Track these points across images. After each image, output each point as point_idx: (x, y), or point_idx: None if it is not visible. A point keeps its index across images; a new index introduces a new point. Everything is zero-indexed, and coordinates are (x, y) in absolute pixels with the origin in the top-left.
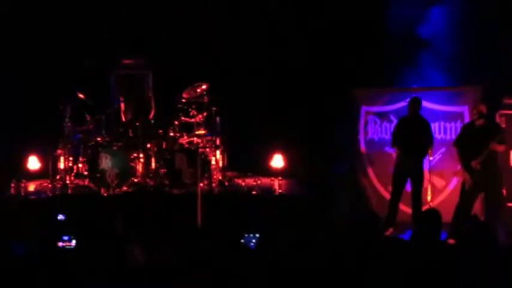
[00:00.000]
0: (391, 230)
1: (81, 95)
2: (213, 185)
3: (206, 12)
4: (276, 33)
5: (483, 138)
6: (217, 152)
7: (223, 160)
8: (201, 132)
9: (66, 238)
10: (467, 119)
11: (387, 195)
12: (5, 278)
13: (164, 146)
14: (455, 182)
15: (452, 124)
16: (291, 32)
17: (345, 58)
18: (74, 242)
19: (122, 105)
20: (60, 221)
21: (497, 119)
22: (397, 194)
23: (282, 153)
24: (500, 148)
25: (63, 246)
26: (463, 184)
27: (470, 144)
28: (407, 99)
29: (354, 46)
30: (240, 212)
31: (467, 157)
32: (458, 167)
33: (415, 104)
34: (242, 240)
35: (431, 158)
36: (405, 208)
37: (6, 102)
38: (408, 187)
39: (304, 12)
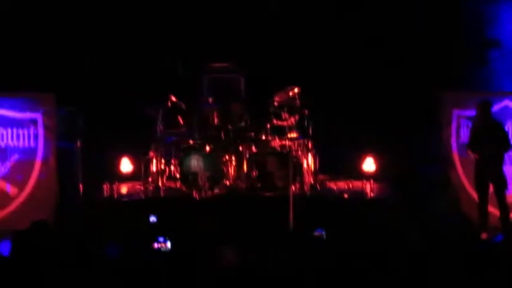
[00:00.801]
0: (485, 234)
1: (173, 98)
2: (305, 188)
3: (297, 14)
4: (365, 36)
5: None
6: (309, 155)
7: (315, 163)
8: (293, 135)
9: (161, 240)
10: None
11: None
12: (100, 280)
13: (256, 149)
14: None
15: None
16: (380, 34)
17: (435, 60)
18: (168, 244)
19: (215, 110)
20: (153, 222)
21: None
22: (484, 199)
23: (374, 156)
24: None
25: (158, 248)
26: None
27: None
28: (503, 103)
29: (444, 48)
30: (332, 215)
31: None
32: None
33: (487, 106)
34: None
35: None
36: (494, 210)
37: (99, 105)
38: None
39: (392, 15)
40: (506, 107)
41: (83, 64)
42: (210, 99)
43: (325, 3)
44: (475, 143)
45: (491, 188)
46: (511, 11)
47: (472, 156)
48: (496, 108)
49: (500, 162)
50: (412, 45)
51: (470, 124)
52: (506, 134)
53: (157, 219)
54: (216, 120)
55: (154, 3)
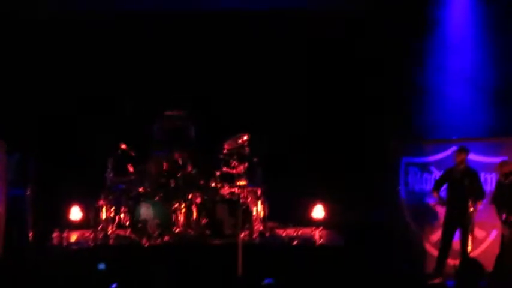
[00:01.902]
0: (440, 278)
1: (123, 146)
2: (254, 235)
3: (245, 65)
4: (313, 85)
5: None
6: (259, 203)
7: (264, 210)
8: (242, 182)
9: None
10: None
11: (428, 246)
12: None
13: (205, 196)
14: (495, 233)
15: (493, 175)
16: (328, 83)
17: (384, 110)
18: None
19: (165, 158)
20: (102, 270)
21: None
22: (448, 244)
23: (323, 204)
24: None
25: None
26: (503, 237)
27: (505, 200)
28: (450, 150)
29: (393, 97)
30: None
31: (504, 212)
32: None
33: (464, 153)
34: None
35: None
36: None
37: (49, 153)
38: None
39: (337, 67)
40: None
41: (34, 110)
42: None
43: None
44: (441, 186)
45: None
46: None
47: (437, 201)
48: (442, 155)
49: (471, 208)
50: (360, 94)
51: (434, 170)
52: (479, 180)
53: (106, 267)
54: (168, 168)
55: (107, 53)
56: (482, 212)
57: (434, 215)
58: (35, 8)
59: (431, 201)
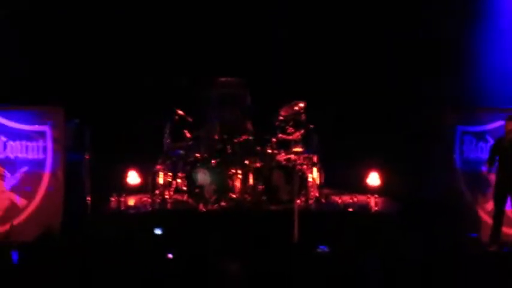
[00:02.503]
0: (495, 246)
1: (180, 112)
2: (310, 202)
3: (302, 32)
4: (369, 50)
5: None
6: (314, 170)
7: (320, 177)
8: (298, 149)
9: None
10: None
11: (483, 215)
12: None
13: (262, 162)
14: None
15: None
16: (384, 52)
17: (439, 77)
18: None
19: (220, 124)
20: (159, 234)
21: None
22: (500, 212)
23: (378, 171)
24: None
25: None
26: None
27: None
28: (503, 118)
29: (448, 65)
30: (334, 228)
31: None
32: None
33: None
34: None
35: None
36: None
37: (107, 118)
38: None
39: (395, 33)
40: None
41: (92, 78)
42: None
43: (332, 21)
44: (496, 156)
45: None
46: None
47: (489, 170)
48: (498, 124)
49: None
50: (414, 64)
51: (490, 139)
52: None
53: (162, 231)
54: (224, 134)
55: (163, 20)
56: None
57: (489, 184)
58: None
59: (485, 169)
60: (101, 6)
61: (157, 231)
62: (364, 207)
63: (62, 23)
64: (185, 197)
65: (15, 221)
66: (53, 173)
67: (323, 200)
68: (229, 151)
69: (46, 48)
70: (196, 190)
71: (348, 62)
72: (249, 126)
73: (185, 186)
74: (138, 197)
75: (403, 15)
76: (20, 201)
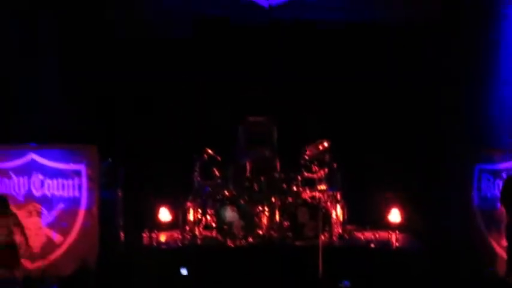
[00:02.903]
0: (511, 279)
1: (209, 151)
2: (334, 238)
3: (324, 73)
4: (392, 92)
5: None
6: (338, 206)
7: (343, 214)
8: (323, 187)
9: None
10: None
11: (500, 251)
12: None
13: (288, 200)
14: None
15: None
16: (407, 91)
17: (461, 118)
18: None
19: (249, 162)
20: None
21: None
22: None
23: (399, 208)
24: None
25: None
26: None
27: None
28: None
29: (469, 107)
30: (356, 263)
31: None
32: None
33: None
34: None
35: None
36: None
37: (139, 157)
38: None
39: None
40: None
41: (124, 118)
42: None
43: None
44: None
45: None
46: None
47: (503, 208)
48: None
49: None
50: (438, 101)
51: (505, 176)
52: None
53: (188, 271)
54: (252, 172)
55: (191, 61)
56: None
57: (502, 220)
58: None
59: (500, 207)
60: (132, 49)
61: (183, 272)
62: (386, 244)
63: (96, 67)
64: (214, 233)
65: (52, 257)
66: (88, 210)
67: (346, 236)
68: (257, 189)
69: (83, 90)
70: (225, 227)
71: (369, 102)
72: (276, 164)
73: (214, 222)
74: (169, 233)
75: (424, 57)
76: (57, 237)
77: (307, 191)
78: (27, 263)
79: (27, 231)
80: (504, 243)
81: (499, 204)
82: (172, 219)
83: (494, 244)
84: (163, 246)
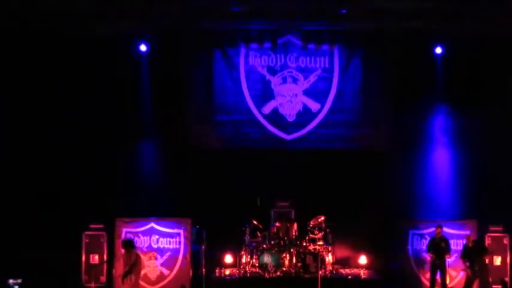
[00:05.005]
0: None
1: (255, 222)
2: (327, 273)
3: (320, 179)
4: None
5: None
6: (329, 254)
7: (333, 258)
8: (320, 243)
9: None
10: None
11: (423, 280)
12: None
13: (300, 250)
14: (462, 273)
15: (459, 241)
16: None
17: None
18: None
19: (278, 228)
20: None
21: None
22: (433, 280)
23: (366, 254)
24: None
25: None
26: (467, 276)
27: (468, 256)
28: (434, 226)
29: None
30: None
31: (467, 262)
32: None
33: (440, 228)
34: None
35: (449, 259)
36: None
37: (215, 224)
38: (438, 275)
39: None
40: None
41: (207, 199)
42: (277, 223)
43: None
44: (432, 247)
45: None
46: None
47: (429, 256)
48: (431, 229)
49: (445, 259)
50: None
51: (427, 237)
52: (449, 243)
53: None
54: (279, 234)
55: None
56: (454, 261)
57: (427, 263)
58: None
59: (426, 256)
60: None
61: None
62: (357, 276)
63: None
64: (257, 270)
65: (163, 283)
66: (184, 256)
67: (334, 272)
68: (282, 243)
69: (181, 179)
70: (264, 265)
71: (345, 195)
72: (294, 229)
73: (257, 263)
74: (231, 269)
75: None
76: (166, 272)
77: (311, 245)
78: (149, 287)
79: (147, 269)
80: (427, 276)
81: (425, 254)
82: (233, 262)
83: (421, 277)
84: (228, 278)
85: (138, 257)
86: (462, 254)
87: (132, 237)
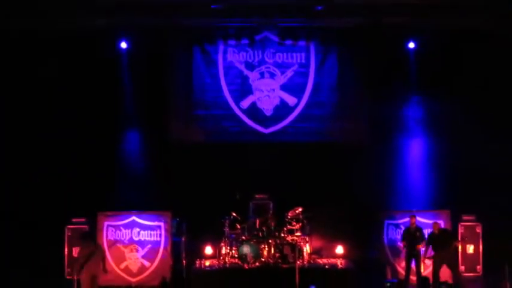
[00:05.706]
0: (407, 285)
1: (234, 214)
2: (305, 262)
3: (297, 172)
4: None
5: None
6: (307, 245)
7: (310, 249)
8: (298, 234)
9: None
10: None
11: (399, 269)
12: None
13: (279, 241)
14: (430, 262)
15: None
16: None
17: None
18: None
19: (256, 220)
20: None
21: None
22: (408, 268)
23: (342, 244)
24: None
25: None
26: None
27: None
28: (408, 216)
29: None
30: (318, 277)
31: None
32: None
33: (414, 217)
34: None
35: (422, 248)
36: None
37: (195, 216)
38: (413, 263)
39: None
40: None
41: (187, 193)
42: (255, 216)
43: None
44: (406, 237)
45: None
46: None
47: (402, 244)
48: (406, 219)
49: (419, 249)
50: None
51: (402, 227)
52: (423, 233)
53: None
54: (257, 226)
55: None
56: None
57: (402, 252)
58: None
59: (400, 245)
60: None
61: None
62: (334, 265)
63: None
64: (236, 260)
65: (144, 275)
66: (165, 248)
67: (312, 262)
68: (261, 235)
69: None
70: (243, 256)
71: (323, 186)
72: (272, 221)
73: (237, 254)
74: (211, 261)
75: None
76: (147, 264)
77: (289, 236)
78: (130, 279)
79: (129, 261)
80: (402, 265)
81: (399, 243)
82: (213, 253)
83: (397, 266)
84: (208, 269)
85: (97, 248)
86: (427, 241)
87: (89, 230)
